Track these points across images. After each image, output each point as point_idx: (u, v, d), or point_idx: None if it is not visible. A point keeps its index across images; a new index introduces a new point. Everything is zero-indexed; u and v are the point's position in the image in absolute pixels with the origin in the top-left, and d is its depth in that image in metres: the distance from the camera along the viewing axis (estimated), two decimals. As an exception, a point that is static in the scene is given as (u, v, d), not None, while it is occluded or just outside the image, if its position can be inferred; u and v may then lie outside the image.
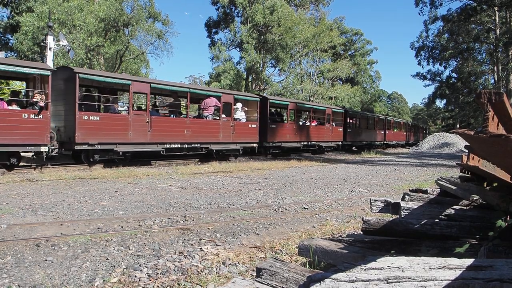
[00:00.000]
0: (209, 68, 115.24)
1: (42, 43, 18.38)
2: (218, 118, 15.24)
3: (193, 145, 14.27)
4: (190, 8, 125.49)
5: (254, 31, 34.02)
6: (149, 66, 38.65)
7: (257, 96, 18.18)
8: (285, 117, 21.16)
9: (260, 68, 36.44)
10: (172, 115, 14.52)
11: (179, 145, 13.74)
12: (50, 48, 15.98)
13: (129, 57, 31.18)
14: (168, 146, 13.32)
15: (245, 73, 36.70)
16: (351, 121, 26.79)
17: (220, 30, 39.57)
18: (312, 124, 21.56)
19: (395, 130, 37.29)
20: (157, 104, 17.53)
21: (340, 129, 24.35)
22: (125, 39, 28.77)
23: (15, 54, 25.42)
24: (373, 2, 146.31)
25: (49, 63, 15.61)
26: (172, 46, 50.20)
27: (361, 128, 28.90)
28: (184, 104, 15.83)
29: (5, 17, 30.56)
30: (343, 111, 25.56)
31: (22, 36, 23.28)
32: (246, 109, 16.62)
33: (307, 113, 22.55)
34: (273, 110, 20.20)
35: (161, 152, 13.25)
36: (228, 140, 15.51)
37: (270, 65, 38.84)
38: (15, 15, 26.93)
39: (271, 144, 18.03)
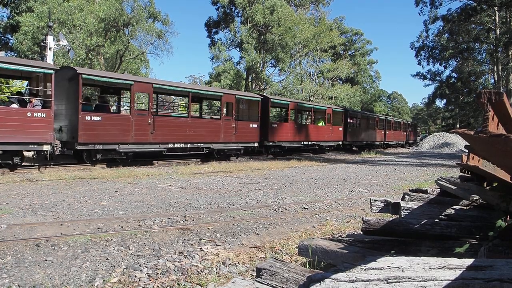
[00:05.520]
0: (209, 68, 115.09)
1: (42, 43, 18.35)
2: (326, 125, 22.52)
3: (311, 142, 20.88)
4: (190, 8, 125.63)
5: (254, 31, 33.98)
6: (149, 66, 38.70)
7: (342, 108, 25.55)
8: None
9: (260, 68, 36.38)
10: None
11: (298, 144, 19.88)
12: (50, 48, 15.98)
13: (129, 57, 31.14)
14: (308, 143, 20.16)
15: (245, 73, 36.64)
16: (388, 124, 33.98)
17: (220, 30, 39.50)
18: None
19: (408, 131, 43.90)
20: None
21: (382, 132, 32.14)
22: (125, 39, 28.73)
23: (15, 54, 25.39)
24: (373, 2, 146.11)
25: (49, 62, 15.59)
26: (172, 46, 50.36)
27: (394, 130, 36.18)
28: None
29: (5, 17, 30.58)
30: (384, 118, 34.05)
31: (22, 36, 23.23)
32: None
33: (369, 121, 29.63)
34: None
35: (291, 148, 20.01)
36: (329, 139, 22.67)
37: (270, 65, 38.79)
38: (15, 15, 26.90)
39: (348, 142, 24.28)
